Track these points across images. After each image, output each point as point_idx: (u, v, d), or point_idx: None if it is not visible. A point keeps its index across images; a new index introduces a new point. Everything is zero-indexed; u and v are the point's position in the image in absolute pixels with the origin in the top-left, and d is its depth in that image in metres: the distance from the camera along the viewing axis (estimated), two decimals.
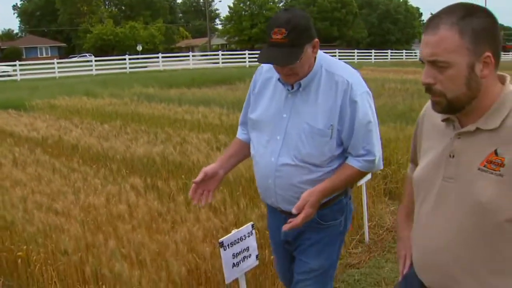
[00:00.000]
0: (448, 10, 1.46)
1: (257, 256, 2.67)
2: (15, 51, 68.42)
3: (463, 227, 1.51)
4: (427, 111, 1.75)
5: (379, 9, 77.45)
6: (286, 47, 2.07)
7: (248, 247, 2.57)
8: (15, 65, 33.35)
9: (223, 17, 79.24)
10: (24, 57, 65.71)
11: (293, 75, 2.22)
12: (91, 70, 34.95)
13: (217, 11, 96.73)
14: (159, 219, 3.73)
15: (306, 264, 2.44)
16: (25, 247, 3.72)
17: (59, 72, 33.86)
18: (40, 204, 4.00)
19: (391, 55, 49.95)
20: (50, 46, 75.84)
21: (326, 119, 2.22)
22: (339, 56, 42.34)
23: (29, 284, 3.80)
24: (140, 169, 5.91)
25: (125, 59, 36.87)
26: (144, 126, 8.97)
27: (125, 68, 35.74)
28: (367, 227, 4.80)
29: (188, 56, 40.32)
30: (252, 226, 2.62)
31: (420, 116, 1.83)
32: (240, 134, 2.60)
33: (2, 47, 71.57)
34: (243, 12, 71.38)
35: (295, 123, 2.26)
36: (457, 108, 1.51)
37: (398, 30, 76.26)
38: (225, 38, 77.22)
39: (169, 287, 2.92)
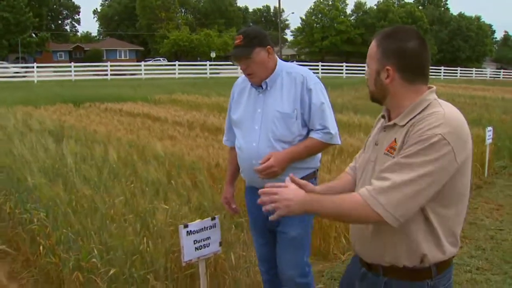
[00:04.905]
0: (384, 30, 1.91)
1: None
2: (96, 53, 72.72)
3: None
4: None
5: (450, 26, 76.62)
6: (242, 47, 2.80)
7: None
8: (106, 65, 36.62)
9: (295, 28, 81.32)
10: (104, 58, 69.14)
11: (253, 75, 2.86)
12: (174, 73, 37.79)
13: (286, 22, 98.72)
14: None
15: (287, 235, 2.96)
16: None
17: (145, 74, 36.67)
18: (224, 158, 6.04)
19: (460, 73, 49.90)
20: (129, 50, 79.86)
21: (291, 105, 2.85)
22: None
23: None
24: None
25: (205, 65, 39.57)
26: None
27: (205, 73, 38.35)
28: None
29: None
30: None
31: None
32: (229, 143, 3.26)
33: (85, 49, 76.45)
34: (315, 25, 73.06)
35: (268, 112, 2.88)
36: (375, 100, 1.95)
37: (469, 47, 75.01)
38: (296, 49, 79.02)
39: None
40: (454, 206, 1.80)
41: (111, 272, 3.19)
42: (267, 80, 2.88)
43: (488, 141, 7.81)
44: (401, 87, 1.84)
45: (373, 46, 1.87)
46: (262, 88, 2.91)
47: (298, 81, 2.85)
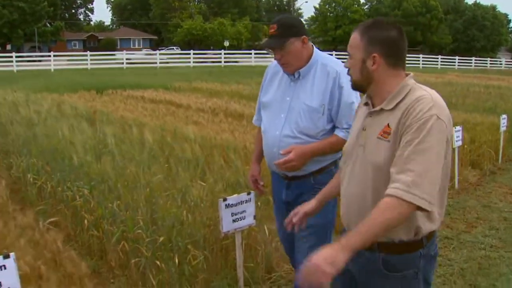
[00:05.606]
0: (364, 22, 2.04)
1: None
2: (110, 42, 73.05)
3: (364, 179, 2.01)
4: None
5: (465, 15, 75.77)
6: (276, 37, 2.76)
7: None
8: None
9: (308, 17, 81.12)
10: (118, 47, 69.48)
11: (286, 64, 2.84)
12: (189, 62, 38.07)
13: (300, 11, 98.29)
14: None
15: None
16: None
17: (160, 62, 37.01)
18: (250, 142, 6.36)
19: (475, 63, 49.24)
20: (142, 38, 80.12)
21: (319, 100, 2.81)
22: (422, 61, 43.17)
23: None
24: None
25: (220, 54, 39.86)
26: None
27: (219, 62, 38.64)
28: (457, 180, 6.84)
29: None
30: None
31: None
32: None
33: (99, 38, 76.90)
34: (329, 14, 72.90)
35: (296, 103, 2.85)
36: (359, 88, 2.09)
37: (484, 37, 74.10)
38: (309, 38, 78.76)
39: None
40: (443, 179, 1.93)
41: (160, 239, 3.51)
42: (300, 71, 2.86)
43: (503, 128, 8.01)
44: (384, 73, 1.97)
45: (355, 37, 1.99)
46: (294, 77, 2.89)
47: (331, 76, 2.81)
